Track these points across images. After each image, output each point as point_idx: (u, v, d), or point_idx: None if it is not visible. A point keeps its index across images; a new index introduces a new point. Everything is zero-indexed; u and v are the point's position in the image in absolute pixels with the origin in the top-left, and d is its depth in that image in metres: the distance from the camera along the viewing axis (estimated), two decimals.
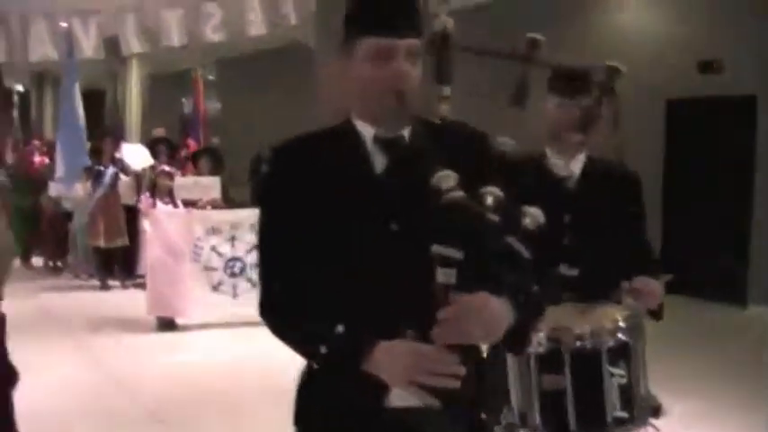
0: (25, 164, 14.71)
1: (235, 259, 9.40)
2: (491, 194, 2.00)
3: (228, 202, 11.23)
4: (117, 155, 12.56)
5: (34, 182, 13.96)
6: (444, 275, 1.93)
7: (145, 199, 10.08)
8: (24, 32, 11.95)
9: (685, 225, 10.99)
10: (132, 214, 12.01)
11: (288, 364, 7.33)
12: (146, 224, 9.55)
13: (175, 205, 9.93)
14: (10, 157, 16.30)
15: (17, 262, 13.88)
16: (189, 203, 10.24)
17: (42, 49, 11.93)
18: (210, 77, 23.15)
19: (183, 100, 22.48)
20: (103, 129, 14.90)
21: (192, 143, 14.93)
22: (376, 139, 2.25)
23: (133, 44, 12.14)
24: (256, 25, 11.91)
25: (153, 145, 12.79)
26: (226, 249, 9.39)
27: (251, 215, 9.24)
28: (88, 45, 11.76)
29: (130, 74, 18.10)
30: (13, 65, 14.60)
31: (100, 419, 6.57)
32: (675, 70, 10.94)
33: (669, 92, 11.20)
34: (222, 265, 9.37)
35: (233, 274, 9.39)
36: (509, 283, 2.08)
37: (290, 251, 2.23)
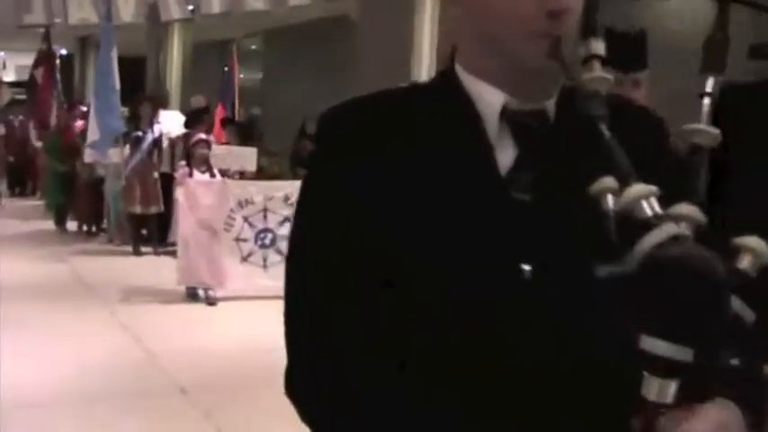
0: (63, 128, 14.64)
1: (266, 230, 9.23)
2: (688, 219, 1.12)
3: (260, 172, 11.10)
4: (156, 123, 12.47)
5: (71, 147, 13.91)
6: (657, 389, 1.09)
7: (181, 168, 9.78)
8: None
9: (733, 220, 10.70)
10: (167, 181, 11.96)
11: None
12: (179, 194, 9.36)
13: (212, 174, 9.62)
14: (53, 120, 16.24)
15: (52, 226, 13.93)
16: (222, 173, 10.06)
17: (82, 13, 11.87)
18: (253, 47, 23.08)
19: (226, 69, 22.41)
20: (143, 94, 14.82)
21: (220, 109, 14.78)
22: (505, 114, 1.29)
23: (173, 11, 12.04)
24: None
25: (192, 116, 12.67)
26: (258, 221, 9.22)
27: (285, 186, 9.26)
28: (127, 10, 11.69)
29: (172, 41, 18.04)
30: (57, 28, 14.61)
31: (124, 385, 6.54)
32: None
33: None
34: (253, 236, 9.22)
35: (263, 246, 9.23)
36: (736, 374, 1.20)
37: (344, 296, 1.31)
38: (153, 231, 12.20)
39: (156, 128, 12.23)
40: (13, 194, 18.40)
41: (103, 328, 8.10)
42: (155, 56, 18.27)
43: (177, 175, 9.65)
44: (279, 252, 9.13)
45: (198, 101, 14.38)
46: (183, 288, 9.27)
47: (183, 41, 18.39)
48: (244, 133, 12.55)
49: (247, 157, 11.05)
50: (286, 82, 20.72)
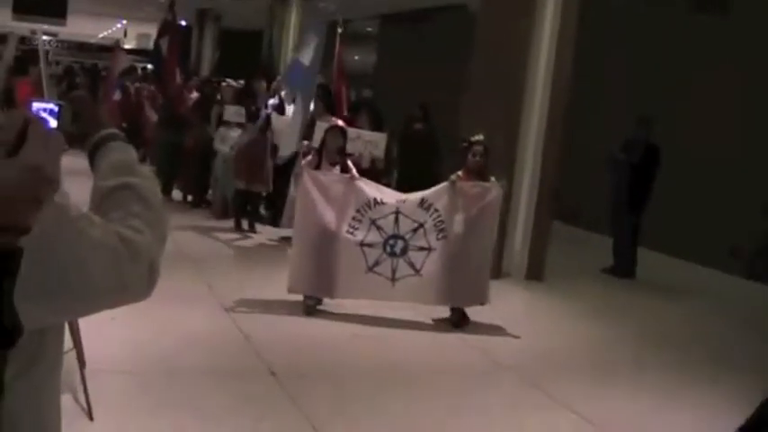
0: (176, 99, 14.70)
1: (396, 237, 7.94)
2: None
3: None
4: (271, 99, 12.35)
5: (182, 118, 13.96)
6: None
7: (308, 157, 8.71)
8: None
9: None
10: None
11: (415, 363, 6.83)
12: (297, 187, 8.34)
13: (345, 168, 8.30)
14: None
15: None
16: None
17: None
18: (369, 29, 23.02)
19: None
20: (259, 68, 14.79)
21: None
22: None
23: None
24: None
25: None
26: (387, 225, 7.95)
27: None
28: None
29: (290, 18, 18.08)
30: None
31: (213, 362, 6.56)
32: None
33: None
34: (382, 242, 7.95)
35: (392, 254, 7.95)
36: None
37: None
38: (255, 209, 12.12)
39: (271, 103, 12.11)
40: None
41: (199, 302, 8.08)
42: (271, 31, 18.34)
43: (303, 163, 8.58)
44: (410, 265, 7.98)
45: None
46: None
47: (301, 19, 18.42)
48: (376, 118, 11.44)
49: (377, 142, 10.30)
50: (400, 67, 20.60)
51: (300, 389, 6.11)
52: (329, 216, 7.91)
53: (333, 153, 8.36)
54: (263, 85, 12.35)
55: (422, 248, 7.93)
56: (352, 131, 10.01)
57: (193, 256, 9.95)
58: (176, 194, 14.05)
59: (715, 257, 11.29)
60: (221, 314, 7.75)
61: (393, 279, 7.95)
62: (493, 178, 8.06)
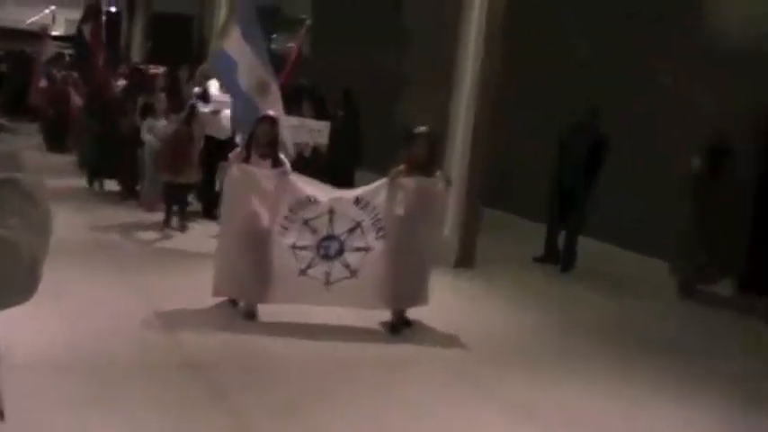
0: (102, 86, 14.32)
1: (330, 238, 7.49)
2: None
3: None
4: (197, 87, 12.10)
5: (110, 106, 13.63)
6: None
7: (236, 150, 8.21)
8: None
9: None
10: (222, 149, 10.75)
11: (343, 360, 6.63)
12: (223, 182, 7.76)
13: (276, 162, 7.73)
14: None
15: (84, 183, 13.70)
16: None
17: None
18: (303, 16, 22.84)
19: (274, 36, 22.22)
20: (188, 55, 14.51)
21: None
22: None
23: None
24: None
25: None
26: (321, 225, 7.51)
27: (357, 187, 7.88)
28: None
29: (219, 2, 17.84)
30: None
31: (132, 355, 6.47)
32: None
33: None
34: (315, 244, 7.52)
35: (326, 257, 7.53)
36: None
37: None
38: (182, 203, 11.54)
39: (195, 92, 11.86)
40: (50, 148, 18.06)
41: (122, 297, 7.90)
42: (201, 16, 18.11)
43: (230, 155, 8.02)
44: (346, 266, 7.54)
45: None
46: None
47: (231, 4, 18.14)
48: (318, 106, 11.42)
49: (321, 131, 10.13)
50: (334, 53, 20.48)
51: (226, 386, 6.04)
52: (259, 214, 7.43)
53: (263, 145, 7.74)
54: (186, 73, 12.07)
55: (359, 249, 7.51)
56: (295, 120, 9.95)
57: (119, 251, 9.81)
58: (108, 185, 13.71)
59: (650, 246, 11.21)
60: (145, 309, 7.56)
61: (327, 283, 7.51)
62: (439, 173, 7.76)
